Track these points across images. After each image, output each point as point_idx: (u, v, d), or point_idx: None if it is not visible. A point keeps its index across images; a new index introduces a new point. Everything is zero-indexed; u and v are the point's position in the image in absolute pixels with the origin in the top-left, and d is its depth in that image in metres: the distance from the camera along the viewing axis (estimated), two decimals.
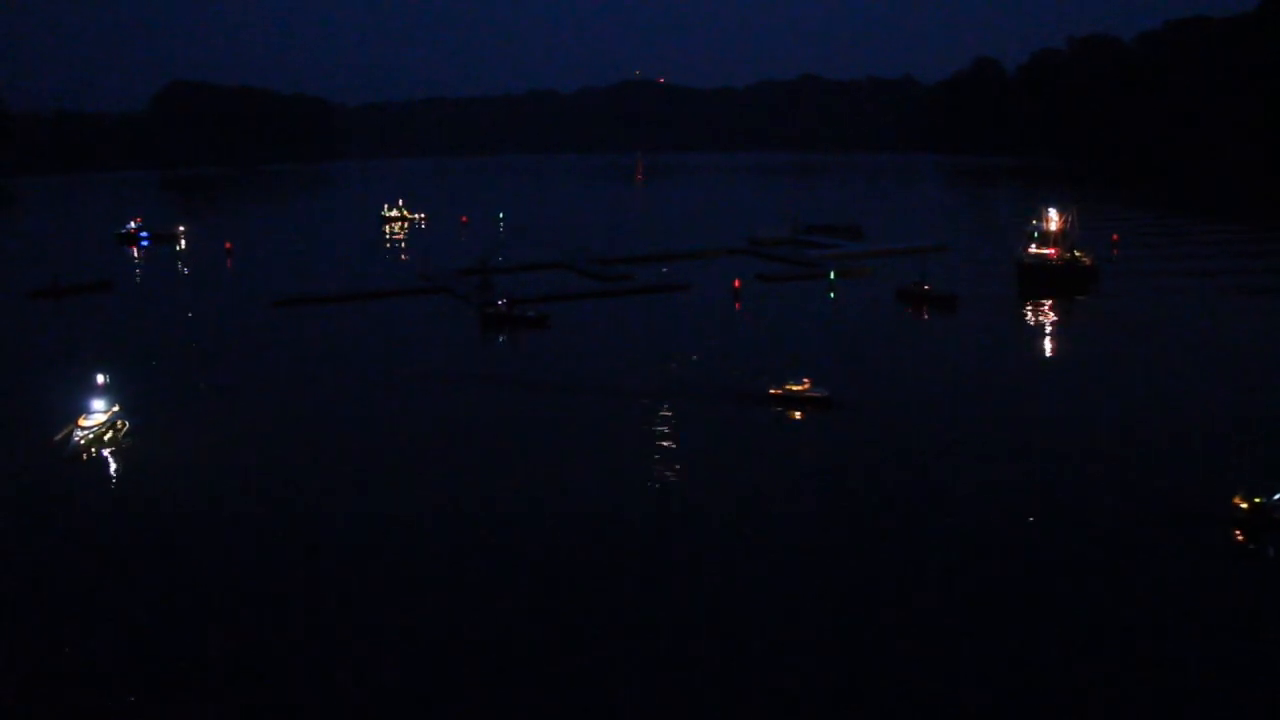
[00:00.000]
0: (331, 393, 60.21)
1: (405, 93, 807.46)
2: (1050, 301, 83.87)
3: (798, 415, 52.17)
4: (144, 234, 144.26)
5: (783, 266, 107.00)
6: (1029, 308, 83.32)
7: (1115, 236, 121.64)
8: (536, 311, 79.66)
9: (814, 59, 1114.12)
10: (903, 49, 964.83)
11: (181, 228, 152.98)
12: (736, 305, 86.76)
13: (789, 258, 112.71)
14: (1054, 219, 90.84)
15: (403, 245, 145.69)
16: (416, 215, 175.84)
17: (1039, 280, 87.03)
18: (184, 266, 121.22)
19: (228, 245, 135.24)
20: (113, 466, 47.27)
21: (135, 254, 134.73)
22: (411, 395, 59.56)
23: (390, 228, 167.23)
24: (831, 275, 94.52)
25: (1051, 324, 78.93)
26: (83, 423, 49.08)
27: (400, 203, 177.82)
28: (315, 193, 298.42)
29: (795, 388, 52.88)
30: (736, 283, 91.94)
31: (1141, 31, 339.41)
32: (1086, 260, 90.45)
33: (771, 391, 53.61)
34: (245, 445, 49.68)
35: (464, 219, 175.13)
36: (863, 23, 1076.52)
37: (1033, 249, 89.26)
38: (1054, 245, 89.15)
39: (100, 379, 50.92)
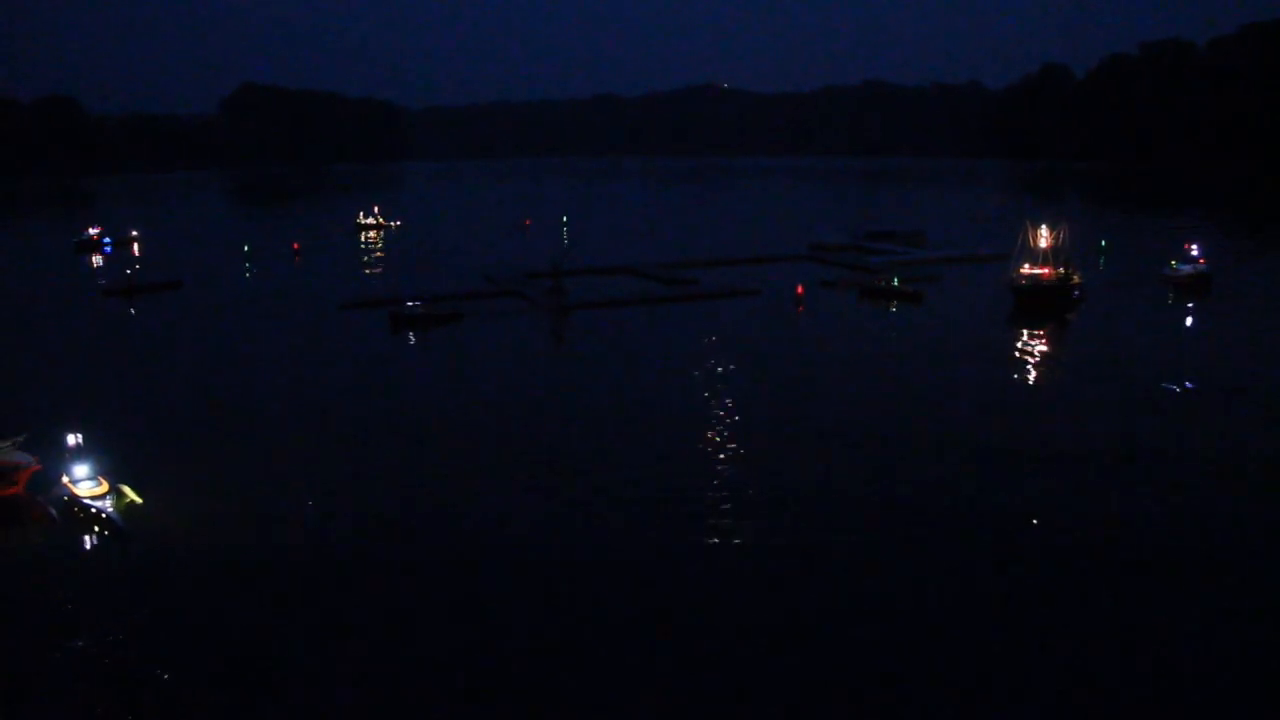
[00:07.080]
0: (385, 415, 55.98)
1: (471, 96, 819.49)
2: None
3: None
4: (106, 240, 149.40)
5: (846, 273, 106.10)
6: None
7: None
8: (451, 308, 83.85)
9: (879, 64, 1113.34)
10: (969, 54, 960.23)
11: (135, 232, 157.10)
12: (799, 309, 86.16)
13: (852, 264, 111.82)
14: (1045, 236, 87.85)
15: (380, 252, 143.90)
16: (392, 223, 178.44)
17: (1032, 300, 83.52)
18: (250, 266, 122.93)
19: (295, 245, 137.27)
20: (142, 548, 37.66)
21: (95, 261, 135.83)
22: (485, 411, 56.85)
23: (366, 235, 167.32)
24: (895, 282, 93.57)
25: None
26: (78, 492, 40.62)
27: (376, 209, 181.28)
28: (384, 194, 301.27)
29: None
30: (799, 288, 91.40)
31: (1215, 36, 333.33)
32: (1078, 278, 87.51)
33: None
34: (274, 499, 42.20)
35: (528, 222, 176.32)
36: (929, 28, 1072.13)
37: (1025, 269, 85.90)
38: (1046, 264, 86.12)
39: (72, 440, 42.28)
